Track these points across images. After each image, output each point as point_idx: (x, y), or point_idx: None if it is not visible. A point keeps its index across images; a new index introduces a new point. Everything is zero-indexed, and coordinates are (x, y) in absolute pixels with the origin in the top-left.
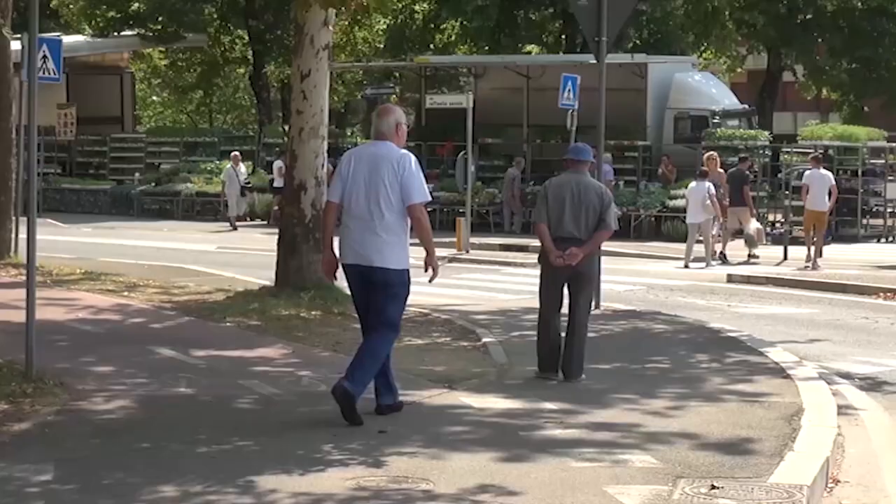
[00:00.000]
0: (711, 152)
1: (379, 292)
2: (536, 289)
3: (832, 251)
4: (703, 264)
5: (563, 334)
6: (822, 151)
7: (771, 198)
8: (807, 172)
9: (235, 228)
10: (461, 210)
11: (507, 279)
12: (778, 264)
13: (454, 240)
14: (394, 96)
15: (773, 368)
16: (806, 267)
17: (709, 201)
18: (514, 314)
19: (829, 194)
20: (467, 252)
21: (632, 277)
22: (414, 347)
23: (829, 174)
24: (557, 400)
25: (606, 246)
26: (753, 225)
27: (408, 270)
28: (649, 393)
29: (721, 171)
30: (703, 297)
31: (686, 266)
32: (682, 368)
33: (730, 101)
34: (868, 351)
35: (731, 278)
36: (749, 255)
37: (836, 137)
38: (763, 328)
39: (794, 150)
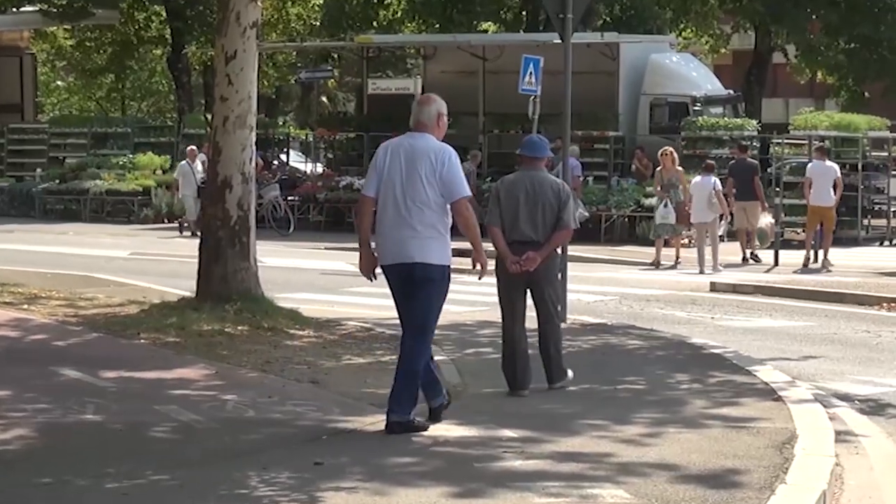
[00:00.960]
0: (666, 147)
1: (417, 289)
2: (494, 299)
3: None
4: (710, 269)
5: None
6: (818, 142)
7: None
8: (810, 165)
9: (197, 234)
10: None
11: (461, 289)
12: (768, 271)
13: None
14: (332, 80)
15: (763, 389)
16: (824, 269)
17: (715, 199)
18: (468, 328)
19: (834, 188)
20: None
21: (602, 286)
22: (354, 367)
23: (835, 166)
24: (518, 426)
25: (573, 250)
26: (766, 219)
27: (449, 267)
28: (622, 418)
29: (680, 168)
30: (684, 308)
31: (702, 272)
32: (660, 390)
33: (712, 85)
34: (870, 369)
35: (714, 287)
36: (745, 257)
37: (832, 127)
38: (751, 343)
39: (786, 140)
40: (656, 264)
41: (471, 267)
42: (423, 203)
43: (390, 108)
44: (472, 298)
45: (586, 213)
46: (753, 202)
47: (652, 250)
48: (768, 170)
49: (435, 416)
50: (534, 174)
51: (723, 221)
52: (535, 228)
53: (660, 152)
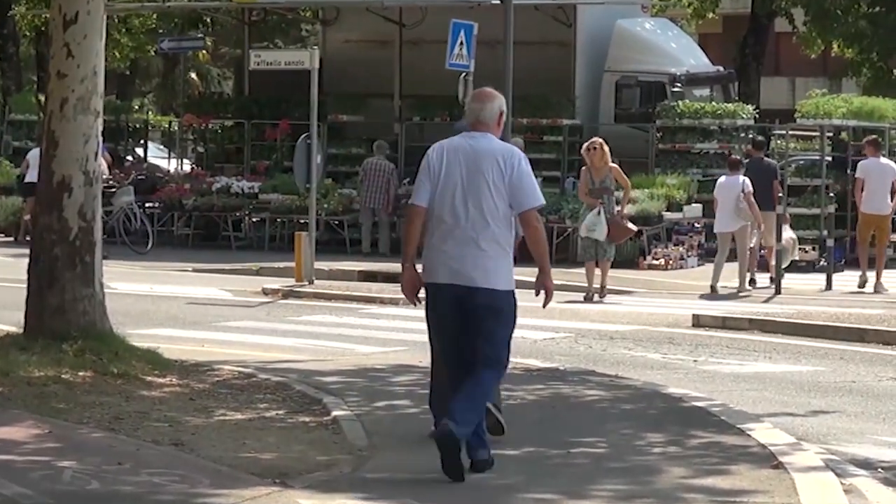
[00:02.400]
0: (596, 139)
1: (484, 320)
2: (411, 337)
3: (846, 280)
4: (737, 289)
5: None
6: (830, 133)
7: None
8: (861, 163)
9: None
10: (302, 220)
11: (370, 323)
12: (767, 300)
13: (291, 265)
14: (203, 52)
15: (758, 454)
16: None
17: (743, 203)
18: (379, 374)
19: (892, 192)
20: (311, 283)
21: (553, 320)
22: (230, 424)
23: (892, 164)
24: (440, 502)
25: (515, 274)
26: (787, 233)
27: (514, 292)
28: (577, 491)
29: (615, 165)
30: (658, 348)
31: (713, 290)
32: (626, 454)
33: (696, 60)
34: None
35: (698, 321)
36: (752, 279)
37: (851, 114)
38: (745, 394)
39: (792, 131)
40: (589, 295)
41: (380, 298)
42: (490, 214)
43: (279, 89)
44: (383, 336)
45: None
46: (771, 213)
47: (612, 272)
48: None
49: (475, 468)
50: None
51: (754, 231)
52: None
53: (586, 146)
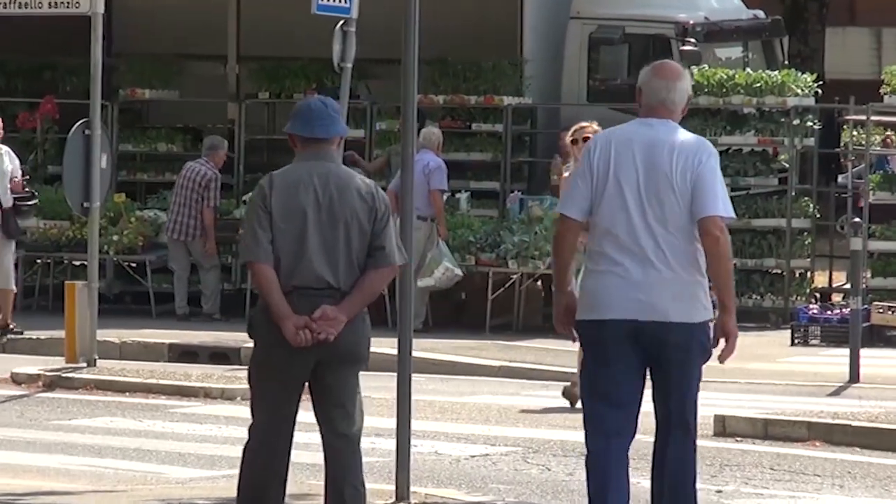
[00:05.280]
0: (589, 124)
1: (674, 364)
2: (245, 448)
3: None
4: None
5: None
6: None
7: (821, 231)
8: None
9: (9, 330)
10: (78, 262)
11: (189, 431)
12: (834, 393)
13: (59, 335)
14: None
15: None
16: None
17: None
18: None
19: None
20: (91, 364)
21: (488, 426)
22: None
23: None
24: None
25: (423, 351)
26: None
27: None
28: None
29: None
30: None
31: None
32: None
33: (720, 3)
34: None
35: (724, 427)
36: None
37: None
38: None
39: (876, 115)
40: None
41: (203, 389)
42: (679, 228)
43: (40, 48)
44: (209, 451)
45: (457, 271)
46: None
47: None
48: (838, 178)
49: None
50: (326, 168)
51: None
52: (333, 265)
53: (571, 133)
